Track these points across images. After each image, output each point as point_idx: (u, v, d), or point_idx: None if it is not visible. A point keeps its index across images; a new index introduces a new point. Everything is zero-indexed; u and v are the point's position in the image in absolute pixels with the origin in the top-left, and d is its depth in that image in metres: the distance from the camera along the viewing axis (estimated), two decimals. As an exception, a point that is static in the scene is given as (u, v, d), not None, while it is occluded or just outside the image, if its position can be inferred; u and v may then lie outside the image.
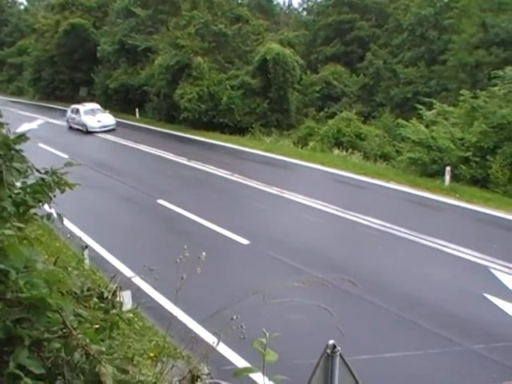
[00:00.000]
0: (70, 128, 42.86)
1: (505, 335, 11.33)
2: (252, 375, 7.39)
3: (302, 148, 33.87)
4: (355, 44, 50.46)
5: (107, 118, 41.86)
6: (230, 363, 10.00)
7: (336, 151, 31.86)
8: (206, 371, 8.89)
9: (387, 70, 45.37)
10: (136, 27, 50.27)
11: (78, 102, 46.69)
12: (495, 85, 26.05)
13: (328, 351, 4.69)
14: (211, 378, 9.17)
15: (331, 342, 4.69)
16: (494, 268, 14.64)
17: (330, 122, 36.16)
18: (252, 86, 40.48)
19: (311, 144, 34.41)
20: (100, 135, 39.36)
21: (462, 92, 27.30)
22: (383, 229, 17.98)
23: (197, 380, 8.21)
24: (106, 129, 40.69)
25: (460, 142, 24.84)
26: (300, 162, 28.85)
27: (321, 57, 50.60)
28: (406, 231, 17.51)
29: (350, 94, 46.07)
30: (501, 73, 26.01)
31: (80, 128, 41.35)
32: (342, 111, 39.20)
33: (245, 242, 17.25)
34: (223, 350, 9.81)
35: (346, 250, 16.75)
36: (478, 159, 23.83)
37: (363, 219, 18.89)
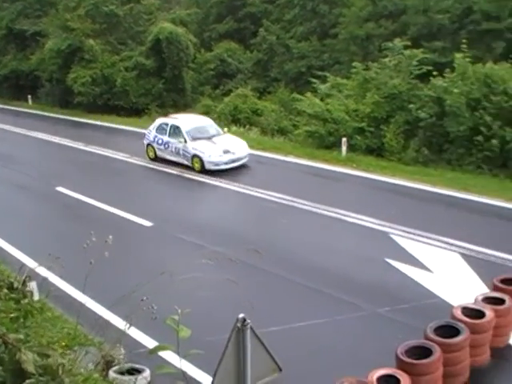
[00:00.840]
0: (156, 159, 24.66)
1: (408, 297, 11.78)
2: (166, 356, 7.43)
3: (199, 127, 33.75)
4: (248, 20, 50.33)
5: (237, 145, 23.61)
6: (142, 346, 10.02)
7: (234, 128, 31.88)
8: (121, 355, 8.90)
9: (280, 45, 45.52)
10: (24, 11, 48.68)
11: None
12: (385, 56, 26.66)
13: (238, 325, 4.78)
14: (125, 363, 9.20)
15: (241, 315, 4.78)
16: (393, 233, 15.15)
17: (226, 99, 36.26)
18: (146, 66, 40.03)
19: (209, 122, 34.35)
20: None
21: (354, 64, 27.84)
22: (285, 202, 18.26)
23: (112, 364, 8.23)
24: (237, 164, 22.87)
25: (354, 113, 25.38)
26: (199, 141, 28.63)
27: (214, 34, 50.27)
28: (308, 203, 17.85)
29: (244, 70, 46.05)
30: (390, 44, 26.62)
31: (184, 162, 23.28)
32: (237, 88, 39.28)
33: (148, 224, 17.22)
34: (135, 333, 9.79)
35: (250, 226, 16.93)
36: (372, 129, 24.45)
37: (265, 194, 19.11)
